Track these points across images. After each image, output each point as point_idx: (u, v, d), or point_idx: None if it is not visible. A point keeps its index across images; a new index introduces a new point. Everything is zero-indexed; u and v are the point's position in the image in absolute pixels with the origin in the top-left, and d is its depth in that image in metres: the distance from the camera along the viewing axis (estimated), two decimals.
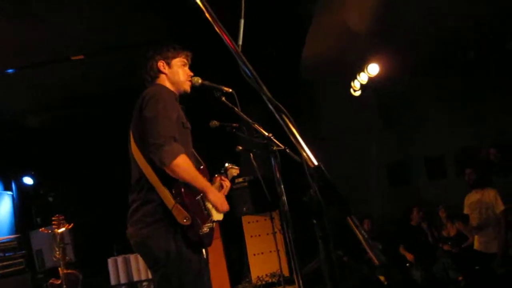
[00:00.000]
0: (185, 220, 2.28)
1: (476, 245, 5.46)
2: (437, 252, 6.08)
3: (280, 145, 2.90)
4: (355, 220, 1.08)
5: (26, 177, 8.24)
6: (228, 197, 2.83)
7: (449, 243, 5.95)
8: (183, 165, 2.32)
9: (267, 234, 6.70)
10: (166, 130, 2.33)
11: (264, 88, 1.26)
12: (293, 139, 1.22)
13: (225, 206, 2.58)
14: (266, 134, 2.75)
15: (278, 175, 2.74)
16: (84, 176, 8.10)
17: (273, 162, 2.74)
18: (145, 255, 2.45)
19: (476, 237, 5.49)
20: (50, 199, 8.25)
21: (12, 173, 8.25)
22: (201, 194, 2.52)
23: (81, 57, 5.19)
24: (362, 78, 6.49)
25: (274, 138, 2.83)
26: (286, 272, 6.48)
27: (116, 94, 6.78)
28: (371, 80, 6.47)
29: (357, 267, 6.08)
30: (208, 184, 2.52)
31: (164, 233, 2.32)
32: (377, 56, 6.17)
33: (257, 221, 6.84)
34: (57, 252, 5.49)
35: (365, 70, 6.29)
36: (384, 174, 8.01)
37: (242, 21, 1.37)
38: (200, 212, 2.44)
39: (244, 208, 6.64)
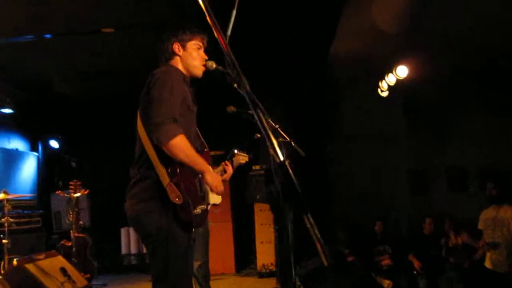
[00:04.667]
0: (177, 199, 2.33)
1: (487, 263, 5.35)
2: (445, 264, 5.98)
3: (286, 137, 2.94)
4: (310, 219, 1.10)
5: (52, 140, 8.50)
6: (244, 183, 2.86)
7: (455, 255, 5.85)
8: (180, 145, 2.35)
9: None
10: (167, 111, 2.36)
11: (245, 81, 1.28)
12: (264, 134, 1.23)
13: (220, 188, 2.58)
14: (273, 124, 2.78)
15: None
16: (108, 146, 8.32)
17: None
18: (137, 229, 2.54)
19: (488, 254, 5.37)
20: (73, 164, 8.50)
21: (39, 135, 8.55)
22: (199, 176, 2.56)
23: (111, 30, 5.29)
24: (390, 79, 6.29)
25: (281, 130, 2.87)
26: None
27: (144, 70, 6.90)
28: (399, 82, 6.25)
29: (358, 268, 6.06)
30: (206, 165, 2.52)
31: (157, 210, 2.39)
32: (407, 58, 5.97)
33: (268, 209, 6.87)
34: (71, 215, 5.71)
35: (394, 71, 6.08)
36: (404, 180, 7.86)
37: (234, 12, 1.39)
38: (194, 193, 2.48)
39: (258, 196, 6.67)
